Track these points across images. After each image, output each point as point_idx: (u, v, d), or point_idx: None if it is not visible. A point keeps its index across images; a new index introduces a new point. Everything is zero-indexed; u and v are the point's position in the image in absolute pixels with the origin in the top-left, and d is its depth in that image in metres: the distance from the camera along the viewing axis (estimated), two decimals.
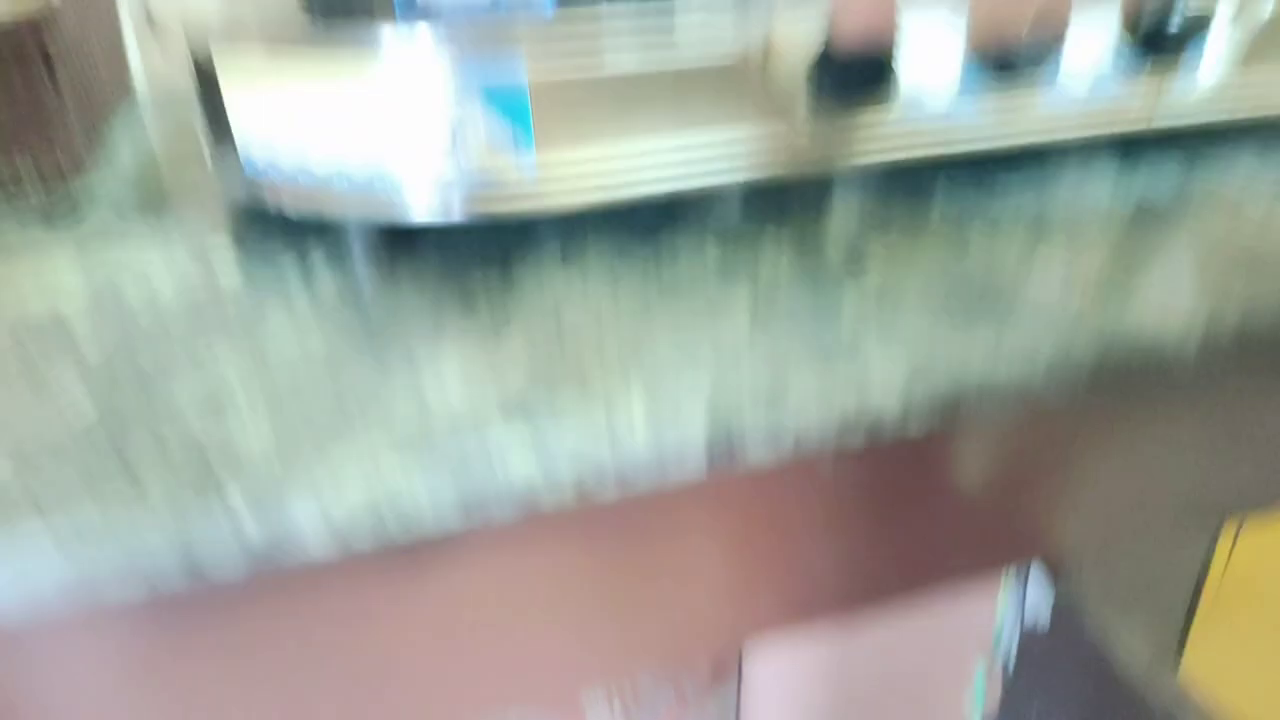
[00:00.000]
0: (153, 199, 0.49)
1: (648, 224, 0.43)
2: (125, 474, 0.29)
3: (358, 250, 0.42)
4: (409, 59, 0.37)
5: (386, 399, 0.31)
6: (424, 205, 0.39)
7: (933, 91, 0.43)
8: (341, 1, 0.40)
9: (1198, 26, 0.44)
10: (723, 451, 0.31)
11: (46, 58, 0.47)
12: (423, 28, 0.38)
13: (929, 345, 0.34)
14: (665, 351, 0.34)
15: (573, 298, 0.38)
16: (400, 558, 0.30)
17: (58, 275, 0.42)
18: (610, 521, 0.33)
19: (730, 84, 0.40)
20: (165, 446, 0.30)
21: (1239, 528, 0.45)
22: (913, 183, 0.47)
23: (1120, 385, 0.35)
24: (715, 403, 0.32)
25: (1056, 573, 0.45)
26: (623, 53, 0.39)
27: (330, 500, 0.27)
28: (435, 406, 0.31)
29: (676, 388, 0.32)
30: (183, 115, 0.61)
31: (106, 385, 0.34)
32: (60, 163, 0.48)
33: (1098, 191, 0.48)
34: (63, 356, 0.36)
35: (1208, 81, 0.47)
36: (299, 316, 0.38)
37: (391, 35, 0.37)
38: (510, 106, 0.37)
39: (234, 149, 0.41)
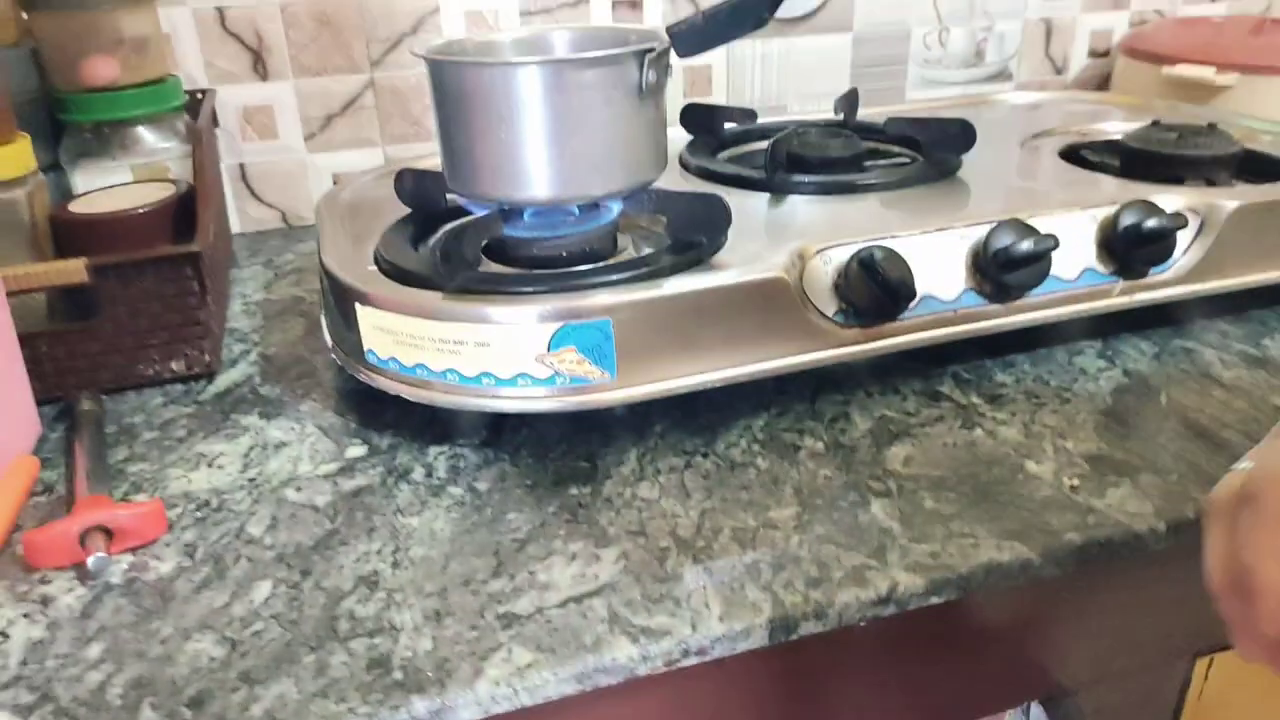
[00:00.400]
0: (278, 381, 0.57)
1: (705, 410, 0.51)
2: (314, 660, 0.36)
3: (464, 434, 0.50)
4: (513, 312, 0.46)
5: (511, 597, 0.39)
6: (520, 398, 0.47)
7: (942, 298, 0.52)
8: (454, 252, 0.48)
9: (1162, 255, 0.53)
10: (780, 627, 0.38)
11: (198, 267, 0.54)
12: (522, 287, 0.47)
13: (945, 530, 0.42)
14: (728, 542, 0.42)
15: (649, 488, 0.46)
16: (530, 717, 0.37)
17: (211, 454, 0.50)
18: (690, 681, 0.41)
19: (770, 296, 0.48)
20: (340, 633, 0.37)
21: (1210, 663, 0.52)
22: (925, 361, 0.55)
23: (1104, 559, 0.43)
24: (773, 587, 0.39)
25: (1055, 701, 0.52)
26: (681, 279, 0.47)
27: (479, 688, 0.35)
28: (550, 601, 0.39)
29: (741, 573, 0.40)
30: (291, 300, 0.69)
31: (277, 566, 0.41)
32: (206, 359, 0.56)
33: (1083, 363, 0.56)
34: (231, 535, 0.43)
35: (1182, 270, 0.56)
36: (423, 498, 0.45)
37: (500, 308, 0.46)
38: (596, 335, 0.45)
39: (358, 343, 0.49)
